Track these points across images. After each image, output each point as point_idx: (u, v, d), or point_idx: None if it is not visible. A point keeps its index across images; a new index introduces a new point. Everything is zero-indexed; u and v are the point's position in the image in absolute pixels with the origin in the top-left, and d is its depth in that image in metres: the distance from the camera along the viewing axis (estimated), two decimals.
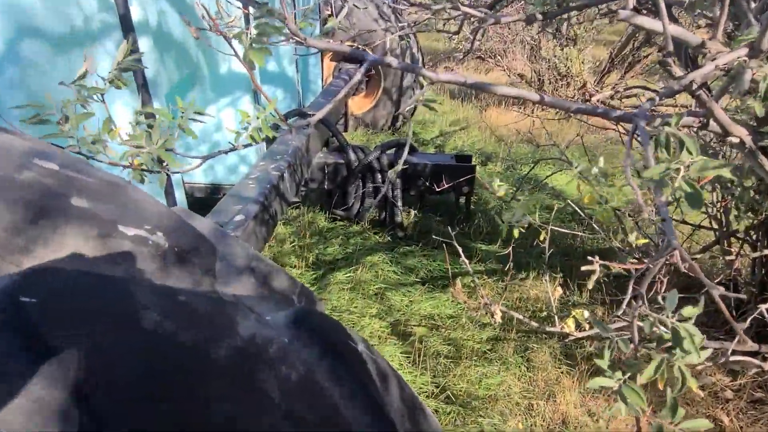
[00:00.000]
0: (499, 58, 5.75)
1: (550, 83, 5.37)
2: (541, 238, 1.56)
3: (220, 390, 0.29)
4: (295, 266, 2.79)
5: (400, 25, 4.68)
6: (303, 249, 2.97)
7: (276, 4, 0.91)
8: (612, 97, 3.78)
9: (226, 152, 0.94)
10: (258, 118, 0.83)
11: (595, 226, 2.03)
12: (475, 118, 5.55)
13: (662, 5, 0.74)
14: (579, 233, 2.00)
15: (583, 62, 5.19)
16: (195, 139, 2.77)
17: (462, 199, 3.32)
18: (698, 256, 2.19)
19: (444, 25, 1.70)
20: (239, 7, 1.00)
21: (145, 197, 0.45)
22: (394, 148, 3.14)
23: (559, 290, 1.57)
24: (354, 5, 4.54)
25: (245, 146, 0.89)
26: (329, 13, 4.27)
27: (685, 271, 0.87)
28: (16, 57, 1.12)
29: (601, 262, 0.71)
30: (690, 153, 0.60)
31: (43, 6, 1.17)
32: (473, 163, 3.24)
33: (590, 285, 0.76)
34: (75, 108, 0.79)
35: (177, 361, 0.29)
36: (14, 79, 1.09)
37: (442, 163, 3.12)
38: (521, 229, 1.46)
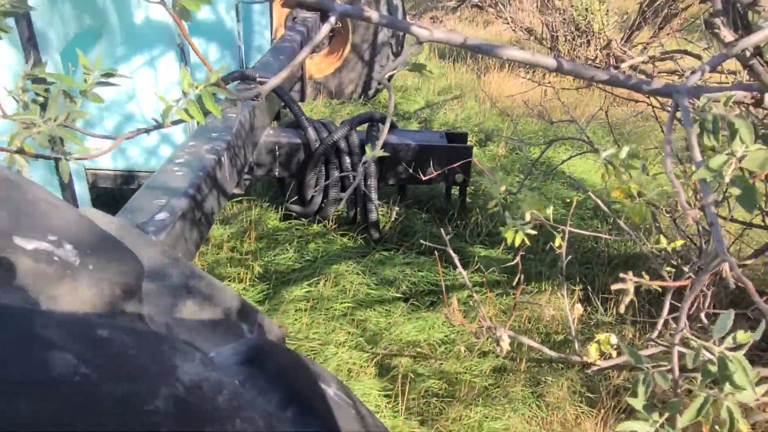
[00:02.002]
0: (501, 7, 5.83)
1: (566, 41, 5.47)
2: (557, 243, 1.60)
3: None
4: (236, 279, 2.77)
5: None
6: (247, 257, 2.94)
7: None
8: (645, 62, 3.89)
9: (147, 131, 0.93)
10: (196, 88, 0.82)
11: (624, 226, 2.09)
12: (472, 84, 5.61)
13: None
14: (603, 235, 2.05)
15: (606, 15, 5.32)
16: (100, 110, 2.68)
17: (455, 191, 3.36)
18: (749, 261, 2.29)
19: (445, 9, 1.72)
20: None
21: (47, 197, 0.44)
22: (366, 124, 3.15)
23: (579, 308, 1.61)
24: None
25: (174, 123, 0.88)
26: None
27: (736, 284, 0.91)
28: None
29: (635, 279, 0.73)
30: (743, 141, 0.63)
31: None
32: (469, 143, 3.29)
33: (622, 308, 0.79)
34: None
35: (101, 422, 0.28)
36: None
37: (430, 143, 3.15)
38: (530, 233, 1.48)
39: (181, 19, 0.81)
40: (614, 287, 0.75)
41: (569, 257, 1.82)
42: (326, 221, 3.25)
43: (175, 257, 0.58)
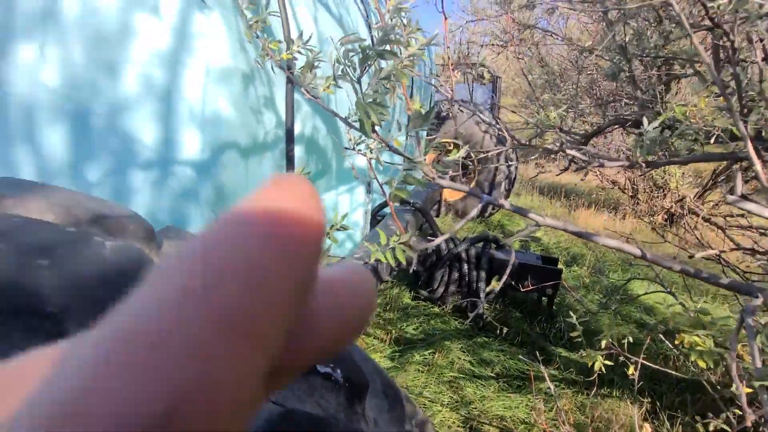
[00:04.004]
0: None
1: (644, 192, 5.09)
2: (630, 371, 1.45)
3: None
4: (379, 339, 2.84)
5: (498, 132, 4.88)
6: (386, 323, 3.03)
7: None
8: (712, 218, 3.48)
9: (361, 260, 1.08)
10: (393, 243, 0.96)
11: (692, 368, 1.83)
12: (564, 216, 5.38)
13: None
14: (672, 372, 1.80)
15: (683, 176, 4.88)
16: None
17: (544, 299, 3.19)
18: None
19: (547, 158, 1.80)
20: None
21: None
22: (482, 242, 3.18)
23: (648, 428, 1.42)
24: (459, 110, 4.88)
25: (376, 261, 1.02)
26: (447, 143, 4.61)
27: None
28: (216, 162, 1.43)
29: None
30: None
31: (239, 123, 1.49)
32: (560, 266, 3.14)
33: None
34: None
35: None
36: (214, 179, 1.38)
37: (529, 263, 3.07)
38: (606, 363, 1.38)
39: (393, 201, 0.97)
40: None
41: (640, 382, 1.63)
42: (445, 307, 3.24)
43: (378, 370, 0.67)
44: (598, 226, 4.72)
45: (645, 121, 1.27)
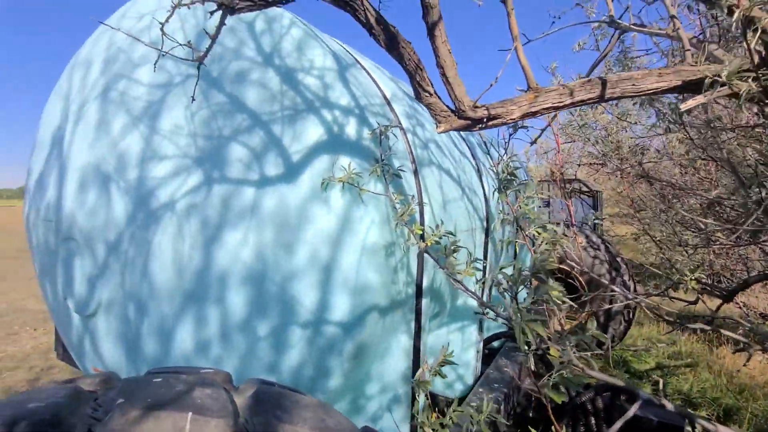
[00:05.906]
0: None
1: None
2: None
3: None
4: None
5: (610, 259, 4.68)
6: None
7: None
8: None
9: (478, 409, 1.12)
10: None
11: None
12: (704, 355, 4.67)
13: None
14: None
15: None
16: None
17: None
18: None
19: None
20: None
21: None
22: (610, 392, 2.88)
23: None
24: (563, 234, 4.85)
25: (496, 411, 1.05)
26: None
27: None
28: (359, 321, 1.63)
29: None
30: None
31: (381, 287, 1.71)
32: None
33: None
34: (426, 414, 1.10)
35: None
36: (355, 336, 1.58)
37: (673, 422, 2.67)
38: None
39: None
40: None
41: None
42: None
43: None
44: (752, 369, 3.99)
45: None
